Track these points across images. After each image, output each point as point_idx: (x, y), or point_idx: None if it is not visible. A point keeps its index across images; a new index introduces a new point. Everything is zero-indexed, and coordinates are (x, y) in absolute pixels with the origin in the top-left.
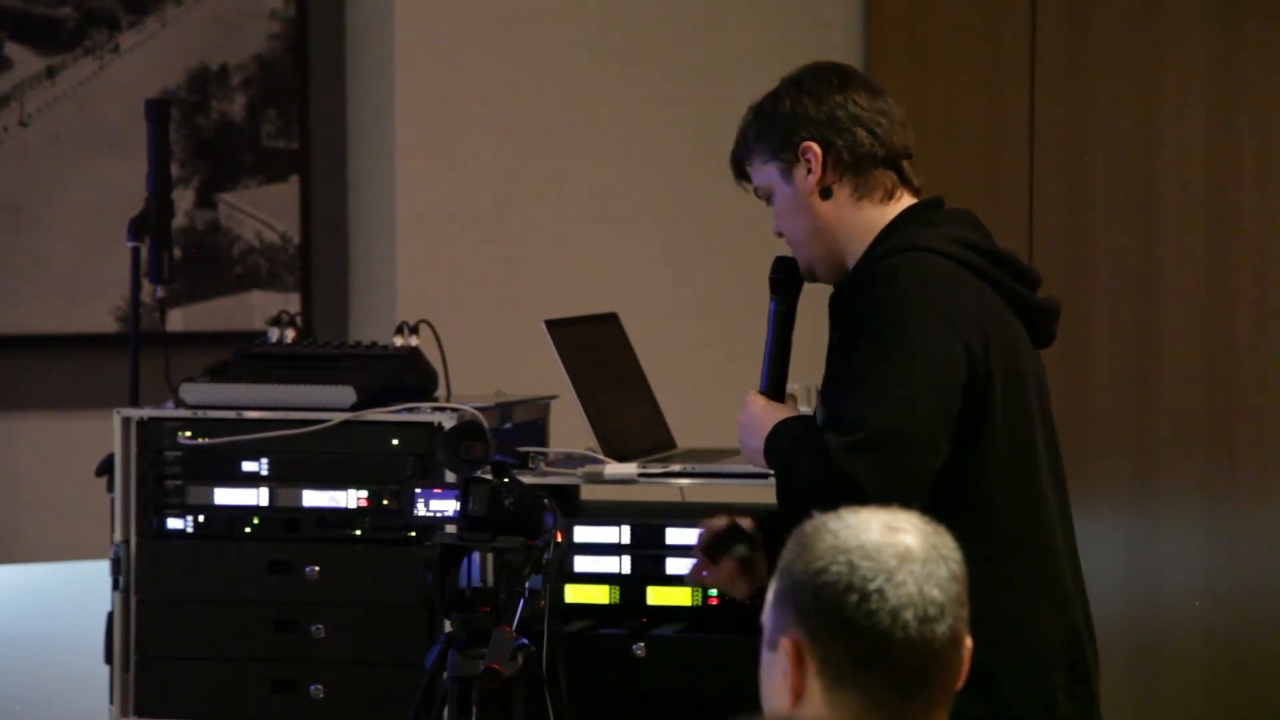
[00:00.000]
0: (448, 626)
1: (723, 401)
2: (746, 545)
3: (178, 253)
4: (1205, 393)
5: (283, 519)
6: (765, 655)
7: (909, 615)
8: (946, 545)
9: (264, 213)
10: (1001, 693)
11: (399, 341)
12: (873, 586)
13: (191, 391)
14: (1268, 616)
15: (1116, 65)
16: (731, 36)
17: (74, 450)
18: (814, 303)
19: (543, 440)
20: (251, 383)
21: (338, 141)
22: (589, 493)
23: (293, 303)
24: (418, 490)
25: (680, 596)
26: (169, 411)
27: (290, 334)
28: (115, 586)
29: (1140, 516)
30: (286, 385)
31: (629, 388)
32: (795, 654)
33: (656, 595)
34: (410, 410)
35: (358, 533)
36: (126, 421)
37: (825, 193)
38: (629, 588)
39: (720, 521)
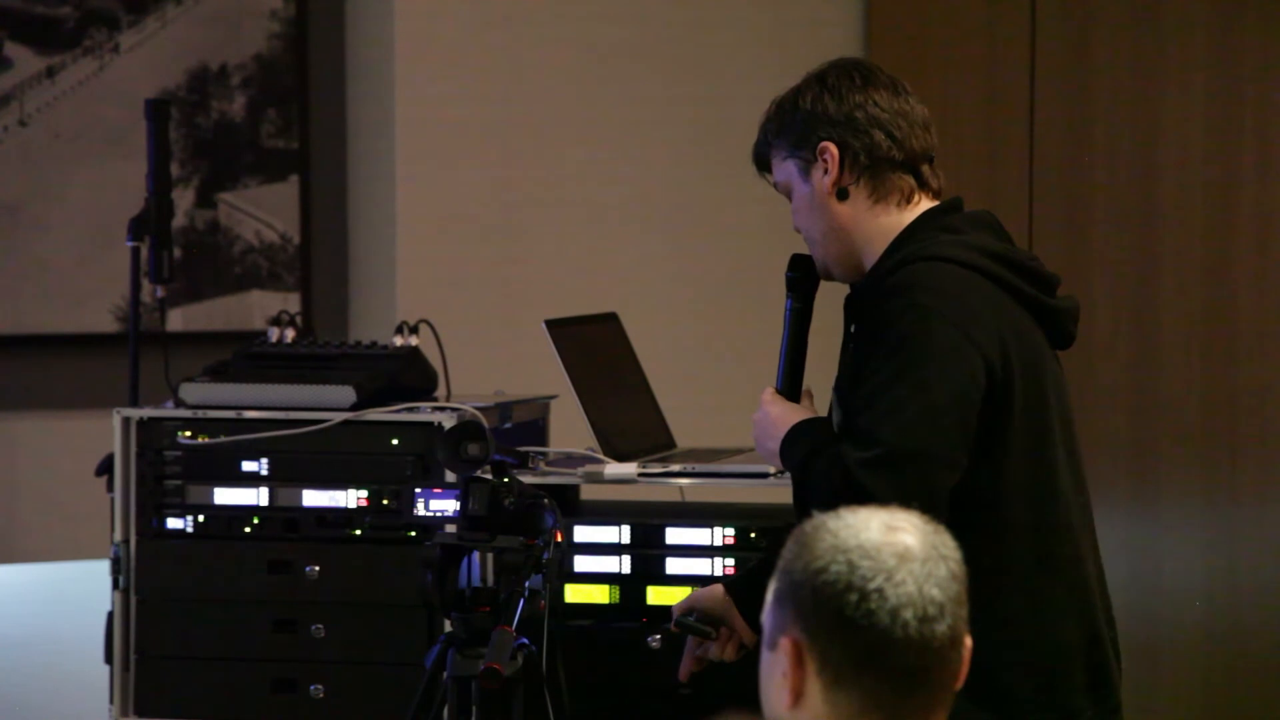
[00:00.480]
0: (448, 626)
1: (723, 401)
2: (700, 623)
3: (178, 253)
4: (1205, 393)
5: (282, 519)
6: (765, 655)
7: (908, 615)
8: (946, 544)
9: (264, 212)
10: (1015, 700)
11: (399, 341)
12: (872, 586)
13: (191, 391)
14: (1268, 617)
15: (1116, 65)
16: (731, 36)
17: (74, 450)
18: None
19: (543, 440)
20: (251, 383)
21: (338, 141)
22: (589, 493)
23: (293, 302)
24: (418, 490)
25: (680, 596)
26: (169, 411)
27: (290, 334)
28: (115, 586)
29: (1140, 516)
30: (286, 385)
31: (629, 388)
32: (795, 654)
33: (656, 595)
34: (410, 410)
35: (358, 533)
36: (126, 421)
37: (842, 194)
38: (629, 588)
39: (679, 608)
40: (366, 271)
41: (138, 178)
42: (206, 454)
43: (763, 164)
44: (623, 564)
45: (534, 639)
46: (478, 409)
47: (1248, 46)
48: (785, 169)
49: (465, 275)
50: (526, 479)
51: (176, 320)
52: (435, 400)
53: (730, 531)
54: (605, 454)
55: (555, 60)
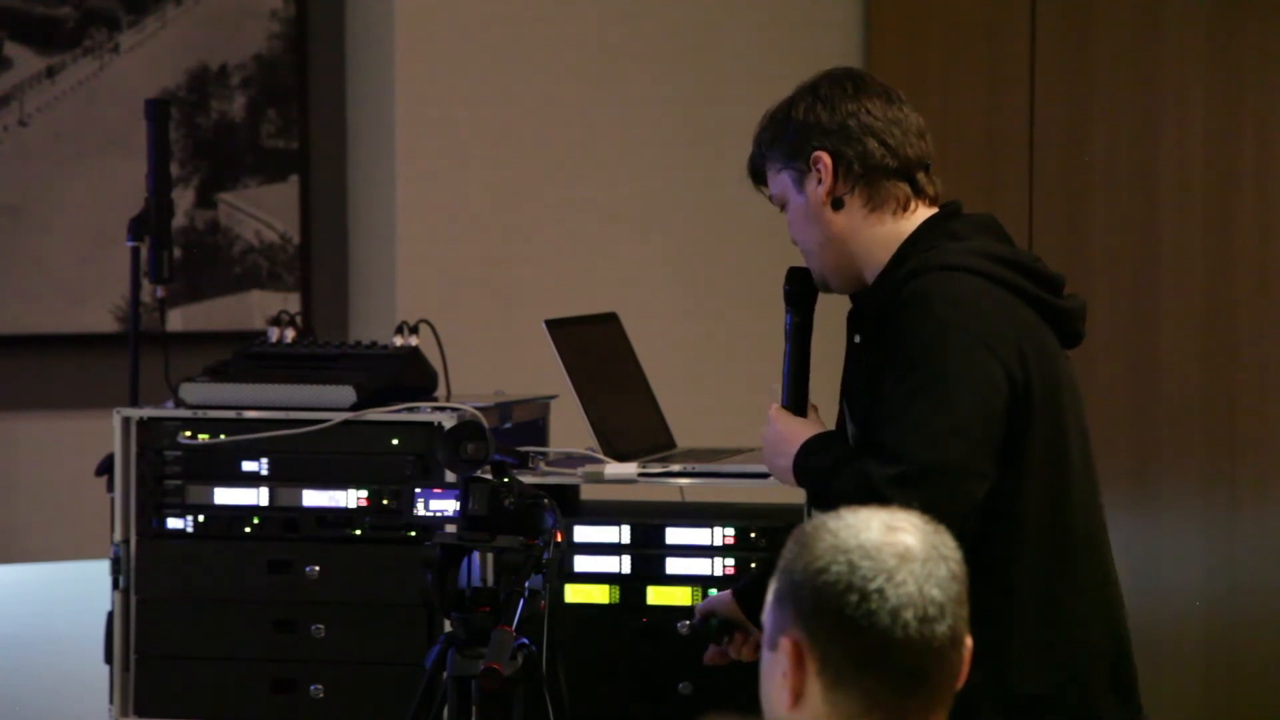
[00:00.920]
0: (448, 626)
1: (723, 401)
2: (717, 626)
3: (178, 252)
4: (1205, 393)
5: (283, 519)
6: (765, 655)
7: (909, 615)
8: (946, 545)
9: (264, 212)
10: (1044, 708)
11: (399, 341)
12: (873, 586)
13: (191, 391)
14: (1267, 616)
15: (1116, 65)
16: (731, 36)
17: (74, 450)
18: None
19: (543, 440)
20: (251, 382)
21: (338, 141)
22: (589, 493)
23: (293, 302)
24: (418, 490)
25: (680, 596)
26: (169, 411)
27: (290, 334)
28: (115, 586)
29: (1140, 516)
30: (286, 385)
31: (629, 388)
32: (795, 654)
33: (656, 595)
34: (410, 410)
35: (358, 533)
36: (126, 421)
37: (837, 203)
38: (629, 588)
39: (700, 611)
40: (366, 271)
41: (138, 178)
42: (206, 454)
43: (758, 176)
44: (623, 564)
45: (534, 639)
46: (478, 409)
47: (1248, 46)
48: (780, 180)
49: (465, 275)
50: (526, 479)
51: (176, 320)
52: (435, 400)
53: (730, 531)
54: (605, 454)
55: (555, 60)
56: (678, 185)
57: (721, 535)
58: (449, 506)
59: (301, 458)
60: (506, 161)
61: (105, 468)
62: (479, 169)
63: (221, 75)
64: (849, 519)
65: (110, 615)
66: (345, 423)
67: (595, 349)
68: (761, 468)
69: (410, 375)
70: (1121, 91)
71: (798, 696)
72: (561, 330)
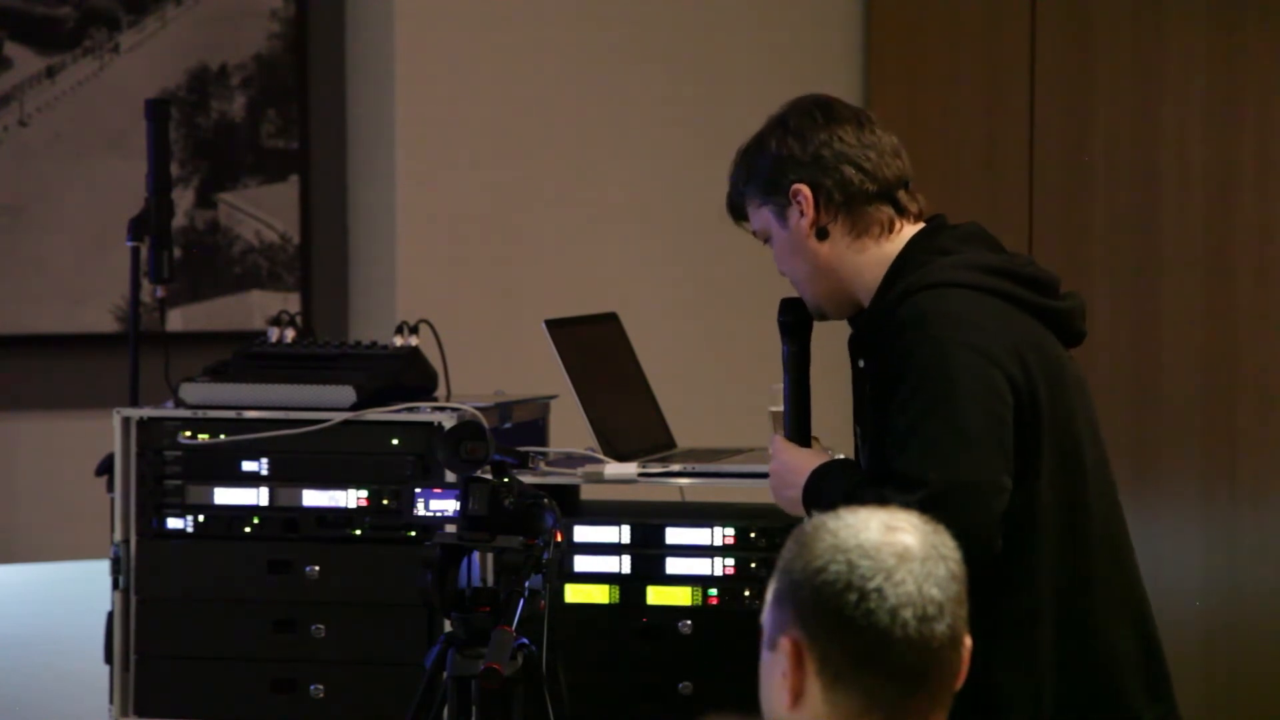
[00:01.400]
0: (448, 626)
1: (723, 401)
2: None
3: (178, 253)
4: (1205, 392)
5: (282, 519)
6: (764, 655)
7: (908, 614)
8: (945, 544)
9: (264, 212)
10: (1074, 713)
11: (399, 341)
12: (872, 586)
13: (191, 391)
14: (1267, 616)
15: (1116, 65)
16: (731, 36)
17: (74, 450)
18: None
19: (543, 440)
20: (251, 382)
21: (338, 141)
22: (589, 493)
23: (293, 302)
24: (418, 490)
25: (680, 596)
26: (169, 411)
27: (290, 334)
28: (115, 586)
29: (1140, 516)
30: (286, 385)
31: (629, 388)
32: (794, 653)
33: (656, 595)
34: (410, 410)
35: (358, 532)
36: (126, 421)
37: (821, 233)
38: (629, 588)
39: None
40: (366, 271)
41: (138, 178)
42: (206, 454)
43: (737, 213)
44: (623, 564)
45: (534, 639)
46: (478, 409)
47: (1248, 46)
48: (761, 216)
49: (465, 275)
50: (526, 479)
51: (176, 320)
52: (435, 400)
53: (730, 531)
54: (605, 454)
55: (555, 60)
56: (678, 185)
57: (721, 535)
58: (449, 506)
59: (301, 458)
60: (506, 161)
61: (105, 468)
62: (479, 169)
63: (221, 75)
64: (848, 519)
65: (110, 615)
66: (345, 423)
67: (595, 349)
68: (762, 468)
69: (410, 375)
70: (1121, 92)
71: (797, 696)
72: (561, 330)
